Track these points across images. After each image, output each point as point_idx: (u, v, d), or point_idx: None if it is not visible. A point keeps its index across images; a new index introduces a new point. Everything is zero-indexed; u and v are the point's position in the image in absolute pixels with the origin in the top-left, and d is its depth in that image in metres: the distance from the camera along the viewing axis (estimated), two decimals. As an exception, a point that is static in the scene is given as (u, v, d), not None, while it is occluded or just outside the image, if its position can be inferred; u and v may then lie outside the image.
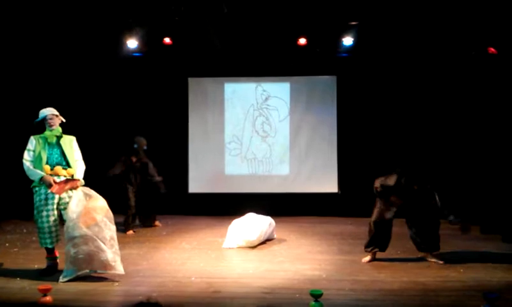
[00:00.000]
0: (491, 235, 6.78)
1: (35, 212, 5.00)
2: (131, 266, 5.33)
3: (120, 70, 8.71)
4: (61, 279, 4.75)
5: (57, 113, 5.27)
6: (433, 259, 5.45)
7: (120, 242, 5.65)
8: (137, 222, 7.53)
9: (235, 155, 9.05)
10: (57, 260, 5.16)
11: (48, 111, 5.21)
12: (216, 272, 5.17)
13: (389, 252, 5.59)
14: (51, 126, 5.17)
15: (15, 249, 6.15)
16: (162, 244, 6.50)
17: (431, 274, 5.03)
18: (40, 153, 5.06)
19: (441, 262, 5.40)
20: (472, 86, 7.95)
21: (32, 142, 5.13)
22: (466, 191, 7.74)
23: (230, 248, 6.19)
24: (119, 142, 8.08)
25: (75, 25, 7.56)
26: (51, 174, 5.00)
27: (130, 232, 7.17)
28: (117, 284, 4.73)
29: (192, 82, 9.08)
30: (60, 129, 5.25)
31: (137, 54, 8.58)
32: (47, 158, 5.08)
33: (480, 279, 4.86)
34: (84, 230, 4.75)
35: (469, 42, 7.65)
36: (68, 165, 5.15)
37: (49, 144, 5.14)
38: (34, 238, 6.64)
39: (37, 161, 5.04)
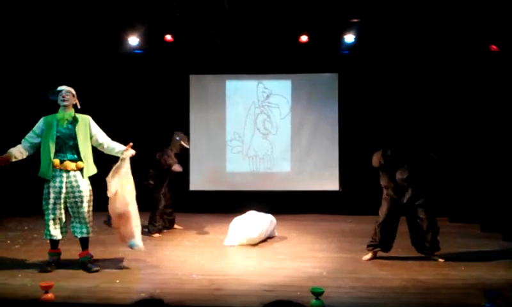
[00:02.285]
0: (492, 233, 6.78)
1: (43, 202, 4.99)
2: (133, 263, 5.34)
3: (121, 67, 8.70)
4: (141, 246, 5.19)
5: (74, 93, 5.12)
6: (434, 258, 5.45)
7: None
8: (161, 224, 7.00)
9: (236, 153, 9.05)
10: (60, 256, 5.16)
11: (64, 87, 5.08)
12: (217, 270, 5.19)
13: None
14: (64, 101, 4.98)
15: (17, 246, 6.17)
16: (164, 241, 6.51)
17: (432, 272, 5.03)
18: (48, 141, 4.91)
19: (441, 260, 5.40)
20: (473, 83, 7.94)
21: (40, 127, 4.99)
22: (466, 189, 7.75)
23: (231, 246, 6.20)
24: (119, 140, 8.07)
25: (76, 22, 7.55)
26: (60, 169, 4.92)
27: (157, 235, 6.78)
28: (118, 281, 4.75)
29: (194, 79, 9.07)
30: (73, 111, 5.08)
31: (138, 51, 8.57)
32: (57, 148, 4.92)
33: (481, 277, 4.87)
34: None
35: (471, 39, 7.63)
36: (79, 156, 5.00)
37: (61, 127, 4.95)
38: (35, 235, 6.67)
39: (45, 150, 4.92)
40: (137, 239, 5.17)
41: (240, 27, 7.91)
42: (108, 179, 5.02)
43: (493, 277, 4.90)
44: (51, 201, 4.94)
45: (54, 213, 4.95)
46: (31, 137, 5.02)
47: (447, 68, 8.18)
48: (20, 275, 4.87)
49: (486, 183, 7.48)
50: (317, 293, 4.07)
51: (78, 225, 5.03)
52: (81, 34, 7.86)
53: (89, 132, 5.12)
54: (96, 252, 5.34)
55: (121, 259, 5.46)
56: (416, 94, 8.22)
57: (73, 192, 4.97)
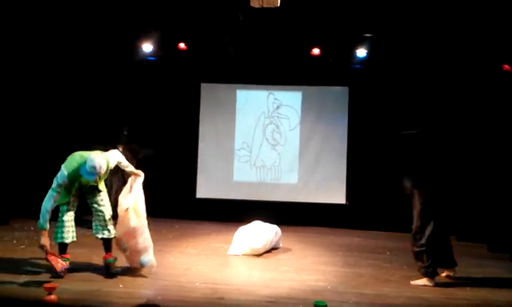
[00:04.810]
0: (499, 254, 6.71)
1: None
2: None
3: (134, 73, 8.78)
4: (153, 261, 5.01)
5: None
6: (451, 273, 5.38)
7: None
8: None
9: (244, 162, 9.06)
10: (68, 262, 5.15)
11: (99, 168, 4.71)
12: (220, 279, 5.17)
13: (395, 267, 5.55)
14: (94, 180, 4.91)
15: (22, 246, 6.20)
16: (168, 247, 6.51)
17: (437, 291, 4.98)
18: (68, 189, 4.88)
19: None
20: (484, 102, 7.89)
21: (63, 179, 4.78)
22: (474, 208, 7.67)
23: (235, 255, 6.18)
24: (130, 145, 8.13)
25: (91, 29, 7.64)
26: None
27: None
28: (121, 285, 4.75)
29: (205, 88, 9.13)
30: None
31: (151, 58, 8.66)
32: (76, 187, 4.95)
33: (487, 299, 4.81)
34: None
35: (483, 58, 7.61)
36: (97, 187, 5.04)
37: (83, 185, 4.97)
38: (41, 236, 6.69)
39: (63, 193, 4.87)
40: (150, 254, 5.03)
41: (254, 38, 7.96)
42: (120, 198, 5.02)
43: (499, 298, 4.83)
44: (65, 206, 4.98)
45: (67, 215, 4.99)
46: (56, 192, 4.82)
47: (458, 86, 8.14)
48: (24, 276, 4.89)
49: (494, 202, 7.41)
50: (320, 307, 4.05)
51: (99, 227, 5.07)
52: (96, 39, 7.94)
53: (110, 166, 5.03)
54: (99, 256, 5.34)
55: (125, 264, 5.45)
56: (427, 112, 8.17)
57: (93, 194, 5.04)
